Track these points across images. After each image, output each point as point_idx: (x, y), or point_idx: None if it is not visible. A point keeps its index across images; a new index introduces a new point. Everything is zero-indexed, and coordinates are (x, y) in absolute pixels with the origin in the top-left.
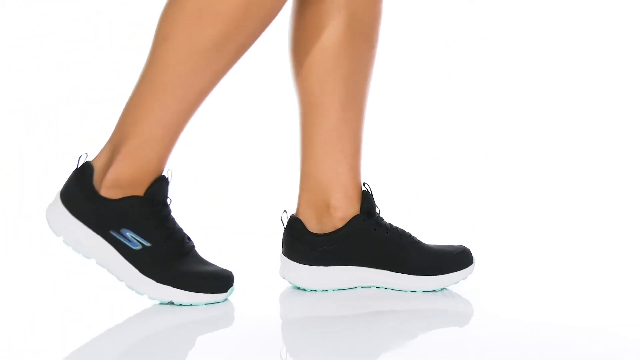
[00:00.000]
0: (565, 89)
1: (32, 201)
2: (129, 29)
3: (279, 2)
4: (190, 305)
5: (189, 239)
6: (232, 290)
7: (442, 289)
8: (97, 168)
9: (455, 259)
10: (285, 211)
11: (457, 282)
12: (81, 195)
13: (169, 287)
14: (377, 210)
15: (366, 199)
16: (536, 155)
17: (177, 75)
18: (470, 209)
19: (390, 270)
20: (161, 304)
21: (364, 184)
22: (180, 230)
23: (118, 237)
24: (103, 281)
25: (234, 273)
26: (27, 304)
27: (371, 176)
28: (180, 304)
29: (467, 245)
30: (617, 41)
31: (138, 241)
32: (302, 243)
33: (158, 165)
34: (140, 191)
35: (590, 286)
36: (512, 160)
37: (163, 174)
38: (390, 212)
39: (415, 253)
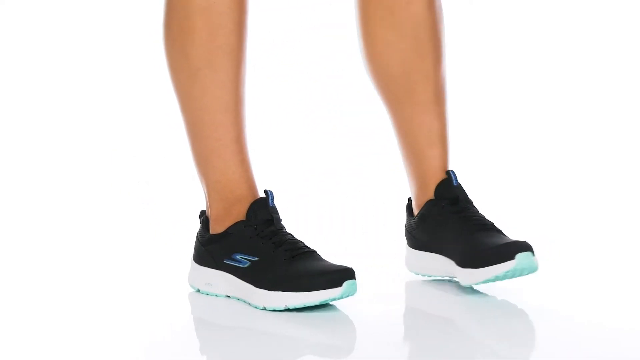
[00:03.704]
0: (565, 89)
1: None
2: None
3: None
4: (305, 306)
5: (305, 246)
6: (354, 285)
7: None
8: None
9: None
10: (409, 199)
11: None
12: (199, 244)
13: (280, 292)
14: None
15: (442, 184)
16: (535, 156)
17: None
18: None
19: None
20: (282, 311)
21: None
22: (292, 239)
23: (230, 262)
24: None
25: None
26: (27, 304)
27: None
28: (296, 308)
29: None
30: (617, 41)
31: (246, 259)
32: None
33: (244, 189)
34: (242, 216)
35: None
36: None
37: (261, 196)
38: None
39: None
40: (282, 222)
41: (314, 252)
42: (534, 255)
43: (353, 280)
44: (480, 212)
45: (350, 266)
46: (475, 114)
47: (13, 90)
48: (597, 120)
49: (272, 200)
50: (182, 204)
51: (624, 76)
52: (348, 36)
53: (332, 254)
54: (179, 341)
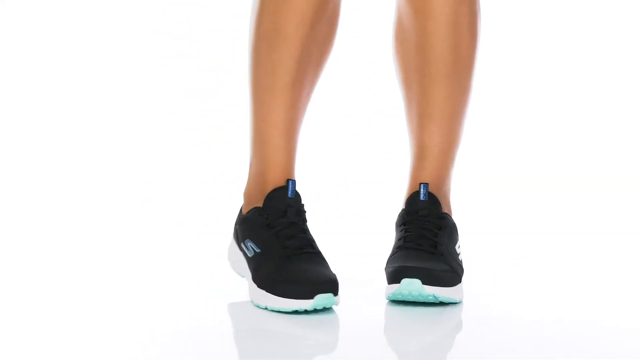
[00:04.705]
0: (565, 89)
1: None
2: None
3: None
4: (279, 311)
5: (310, 245)
6: (329, 299)
7: None
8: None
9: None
10: None
11: None
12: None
13: (263, 292)
14: None
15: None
16: (535, 156)
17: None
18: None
19: None
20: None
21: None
22: (300, 235)
23: (243, 247)
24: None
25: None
26: (27, 304)
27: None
28: (274, 310)
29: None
30: (617, 41)
31: (253, 249)
32: None
33: (275, 174)
34: (261, 202)
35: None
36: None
37: (283, 185)
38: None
39: None
40: (305, 215)
41: (315, 254)
42: (421, 282)
43: (328, 295)
44: (434, 228)
45: (334, 278)
46: (475, 114)
47: (13, 90)
48: (597, 121)
49: (292, 191)
50: (182, 204)
51: (624, 77)
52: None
53: (345, 254)
54: (178, 341)
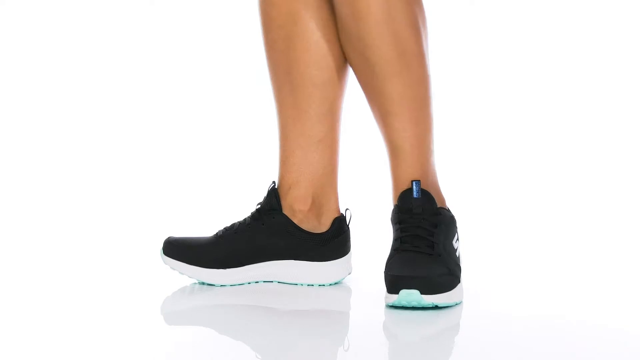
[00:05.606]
0: (564, 89)
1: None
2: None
3: None
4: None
5: (226, 229)
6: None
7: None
8: None
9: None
10: None
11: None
12: None
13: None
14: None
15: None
16: (534, 156)
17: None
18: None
19: None
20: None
21: None
22: (237, 223)
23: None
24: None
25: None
26: (27, 304)
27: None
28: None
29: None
30: (617, 41)
31: None
32: None
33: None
34: None
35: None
36: (508, 161)
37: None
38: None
39: None
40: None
41: (219, 234)
42: (420, 292)
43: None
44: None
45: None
46: (474, 114)
47: (13, 90)
48: (597, 121)
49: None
50: (183, 204)
51: (624, 77)
52: None
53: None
54: (177, 341)
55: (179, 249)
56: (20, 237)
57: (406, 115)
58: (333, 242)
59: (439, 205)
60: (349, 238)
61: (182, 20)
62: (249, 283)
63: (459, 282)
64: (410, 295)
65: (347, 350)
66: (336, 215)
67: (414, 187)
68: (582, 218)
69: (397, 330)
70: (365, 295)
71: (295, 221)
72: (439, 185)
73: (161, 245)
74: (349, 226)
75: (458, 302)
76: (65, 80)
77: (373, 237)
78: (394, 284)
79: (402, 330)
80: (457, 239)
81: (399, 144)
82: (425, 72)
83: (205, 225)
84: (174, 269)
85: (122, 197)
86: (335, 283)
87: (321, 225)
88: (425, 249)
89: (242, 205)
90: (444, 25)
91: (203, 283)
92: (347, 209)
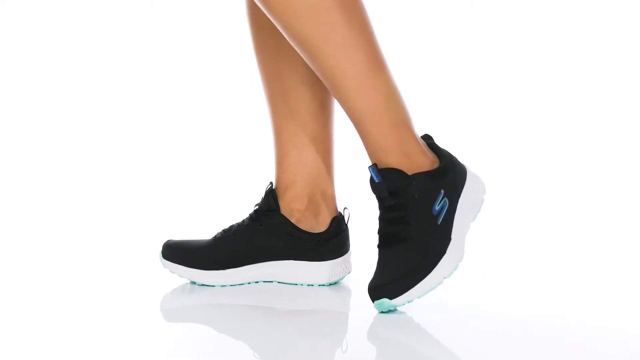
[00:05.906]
0: (564, 90)
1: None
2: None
3: None
4: None
5: (224, 231)
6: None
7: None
8: None
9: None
10: None
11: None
12: None
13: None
14: None
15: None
16: (534, 156)
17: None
18: None
19: None
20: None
21: None
22: (235, 225)
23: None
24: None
25: None
26: (27, 304)
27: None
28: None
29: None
30: (617, 41)
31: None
32: None
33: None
34: None
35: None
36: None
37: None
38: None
39: None
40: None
41: (217, 237)
42: (388, 299)
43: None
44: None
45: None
46: (475, 114)
47: (13, 90)
48: (597, 121)
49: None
50: (183, 204)
51: (624, 77)
52: None
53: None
54: (177, 340)
55: (178, 252)
56: (20, 237)
57: (352, 85)
58: (332, 241)
59: (411, 173)
60: (348, 237)
61: (182, 21)
62: (249, 283)
63: (442, 258)
64: (381, 305)
65: (345, 352)
66: (334, 214)
67: (371, 173)
68: (582, 218)
69: (396, 330)
70: (365, 295)
71: (293, 221)
72: (415, 142)
73: (160, 249)
74: (348, 225)
75: (435, 286)
76: (64, 81)
77: (372, 235)
78: (370, 295)
79: (401, 330)
80: (442, 195)
81: (357, 118)
82: (361, 32)
83: (204, 228)
84: (174, 272)
85: (120, 201)
86: (335, 282)
87: (319, 225)
88: (400, 239)
89: (240, 208)
90: (444, 25)
91: (203, 285)
92: (345, 208)
